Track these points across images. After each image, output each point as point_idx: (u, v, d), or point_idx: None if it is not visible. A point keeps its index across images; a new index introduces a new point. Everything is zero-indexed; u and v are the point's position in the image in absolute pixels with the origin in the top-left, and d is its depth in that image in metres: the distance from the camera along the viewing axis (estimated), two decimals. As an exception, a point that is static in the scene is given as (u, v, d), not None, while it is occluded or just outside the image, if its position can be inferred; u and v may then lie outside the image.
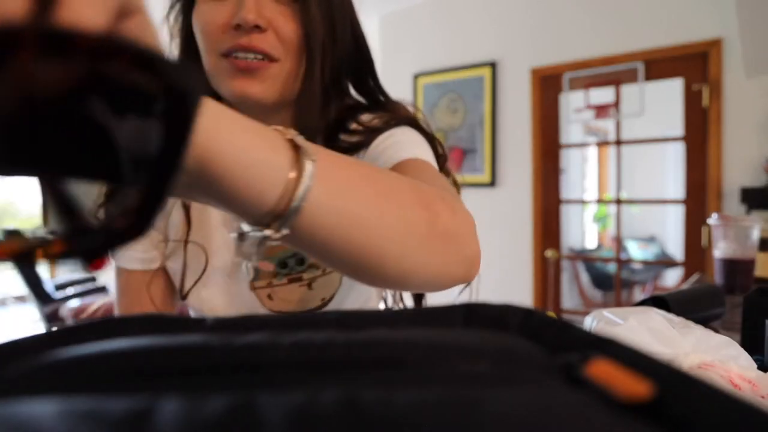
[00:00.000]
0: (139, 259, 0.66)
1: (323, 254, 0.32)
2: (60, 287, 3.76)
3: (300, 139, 0.29)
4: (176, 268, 0.66)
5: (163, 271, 0.68)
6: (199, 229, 0.64)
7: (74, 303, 3.30)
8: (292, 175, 0.27)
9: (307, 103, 0.56)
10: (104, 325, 0.19)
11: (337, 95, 0.62)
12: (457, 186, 0.64)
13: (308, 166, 0.27)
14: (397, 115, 0.61)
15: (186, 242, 0.63)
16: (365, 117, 0.62)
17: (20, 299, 5.11)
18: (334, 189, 0.29)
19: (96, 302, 3.27)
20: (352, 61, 0.62)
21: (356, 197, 0.30)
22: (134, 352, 0.16)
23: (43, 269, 4.31)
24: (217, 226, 0.64)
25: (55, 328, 0.19)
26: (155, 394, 0.12)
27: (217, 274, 0.64)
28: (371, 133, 0.58)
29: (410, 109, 0.65)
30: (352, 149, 0.58)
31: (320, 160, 0.28)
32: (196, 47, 0.56)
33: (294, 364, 0.15)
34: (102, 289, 3.68)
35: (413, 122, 0.61)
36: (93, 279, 4.15)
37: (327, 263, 0.33)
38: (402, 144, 0.55)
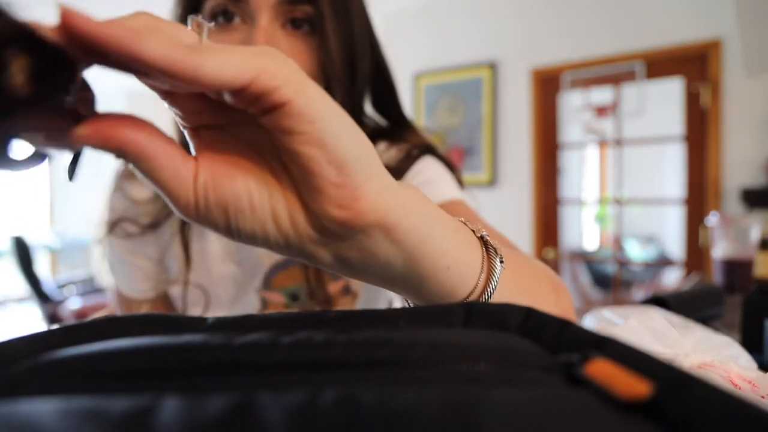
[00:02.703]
0: (136, 289, 0.65)
1: None
2: (60, 287, 3.76)
3: (487, 236, 0.29)
4: (179, 302, 0.65)
5: (162, 299, 0.67)
6: (201, 263, 0.62)
7: (74, 303, 3.30)
8: (483, 276, 0.28)
9: None
10: (104, 325, 0.19)
11: (360, 126, 0.60)
12: (458, 177, 0.64)
13: (497, 269, 0.28)
14: (415, 143, 0.61)
15: (186, 282, 0.61)
16: (381, 146, 0.61)
17: (20, 299, 5.11)
18: (508, 286, 0.29)
19: (98, 305, 3.27)
20: (374, 88, 0.61)
21: (519, 288, 0.32)
22: (134, 352, 0.16)
23: (43, 269, 4.31)
24: (218, 258, 0.62)
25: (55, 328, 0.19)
26: (156, 393, 0.12)
27: (221, 305, 0.64)
28: (397, 173, 0.57)
29: (424, 132, 0.64)
30: None
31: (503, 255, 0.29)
32: None
33: (294, 364, 0.15)
34: (102, 290, 3.68)
35: (431, 149, 0.61)
36: (93, 279, 4.15)
37: None
38: (433, 183, 0.56)
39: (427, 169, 0.59)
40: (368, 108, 0.63)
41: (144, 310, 0.66)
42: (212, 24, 0.23)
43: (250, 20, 0.50)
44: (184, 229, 0.61)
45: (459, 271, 0.26)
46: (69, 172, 0.21)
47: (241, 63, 0.19)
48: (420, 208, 0.25)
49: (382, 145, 0.62)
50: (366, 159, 0.22)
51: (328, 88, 0.51)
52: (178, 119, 0.23)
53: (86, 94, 0.20)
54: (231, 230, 0.23)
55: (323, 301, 0.60)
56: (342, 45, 0.52)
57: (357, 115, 0.59)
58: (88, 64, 0.19)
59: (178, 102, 0.22)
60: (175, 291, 0.65)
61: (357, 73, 0.55)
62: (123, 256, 0.63)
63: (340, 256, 0.24)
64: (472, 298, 0.27)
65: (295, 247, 0.23)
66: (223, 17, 0.50)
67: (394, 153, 0.61)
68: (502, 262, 0.28)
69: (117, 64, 0.19)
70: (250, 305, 0.64)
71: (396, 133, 0.62)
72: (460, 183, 0.63)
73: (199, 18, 0.22)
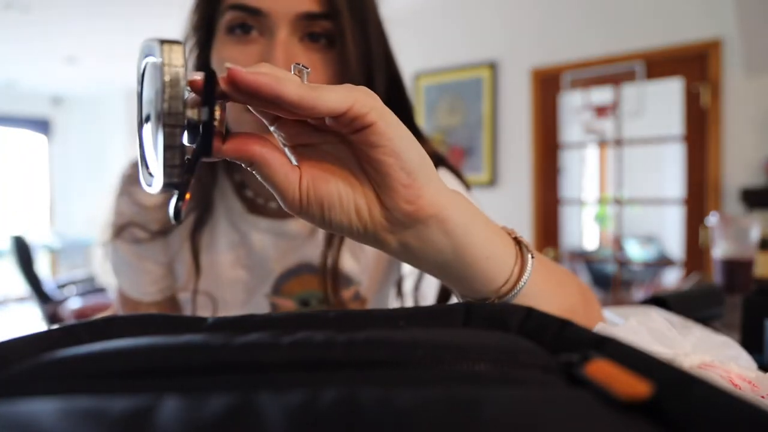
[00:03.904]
0: (143, 292, 0.65)
1: None
2: (60, 287, 3.76)
3: (521, 237, 0.35)
4: (187, 307, 0.65)
5: (169, 302, 0.67)
6: (210, 270, 0.62)
7: (74, 303, 3.30)
8: (516, 268, 0.33)
9: None
10: (104, 325, 0.19)
11: None
12: (468, 186, 0.64)
13: (529, 262, 0.33)
14: (430, 155, 0.61)
15: (195, 291, 0.61)
16: None
17: (20, 299, 5.11)
18: (538, 280, 0.34)
19: (98, 305, 3.27)
20: (388, 100, 0.60)
21: (549, 282, 0.36)
22: (134, 352, 0.16)
23: (43, 269, 4.31)
24: (227, 264, 0.62)
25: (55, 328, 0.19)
26: (156, 393, 0.12)
27: (229, 310, 0.64)
28: None
29: (434, 144, 0.65)
30: None
31: (536, 265, 0.34)
32: None
33: (294, 364, 0.15)
34: (102, 290, 3.68)
35: (444, 161, 0.62)
36: (93, 279, 4.15)
37: None
38: None
39: (445, 182, 0.60)
40: None
41: (150, 312, 0.66)
42: (308, 70, 0.29)
43: (269, 33, 0.49)
44: (194, 236, 0.61)
45: (497, 262, 0.32)
46: (176, 210, 0.27)
47: (342, 96, 0.26)
48: (466, 208, 0.31)
49: None
50: (426, 167, 0.29)
51: None
52: (281, 139, 0.30)
53: (222, 116, 0.27)
54: (324, 221, 0.30)
55: (335, 307, 0.60)
56: (360, 59, 0.52)
57: None
58: (227, 99, 0.27)
59: (284, 128, 0.29)
60: (184, 297, 0.65)
61: (374, 85, 0.55)
62: (130, 259, 0.63)
63: (404, 243, 0.31)
64: (508, 286, 0.33)
65: (371, 235, 0.30)
66: (241, 30, 0.50)
67: None
68: (533, 257, 0.33)
69: (261, 102, 0.26)
70: (258, 310, 0.64)
71: None
72: (468, 189, 0.63)
73: (300, 66, 0.29)
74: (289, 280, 0.62)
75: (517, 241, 0.34)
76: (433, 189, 0.29)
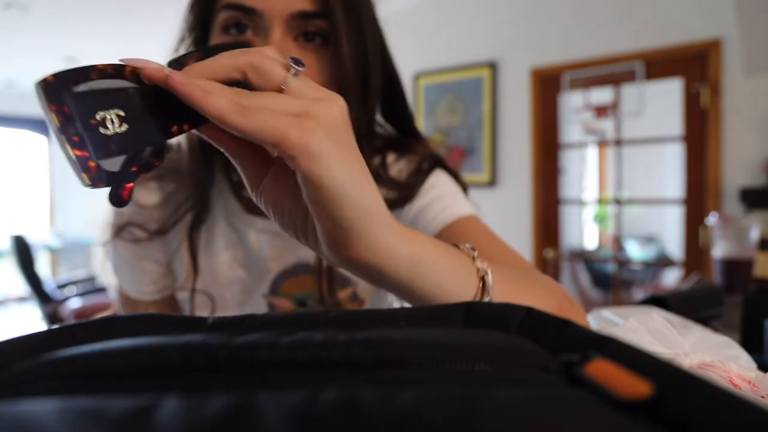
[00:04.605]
0: (142, 291, 0.65)
1: None
2: (60, 287, 3.76)
3: (482, 264, 0.34)
4: (186, 306, 0.65)
5: (168, 301, 0.67)
6: (208, 269, 0.63)
7: (74, 303, 3.30)
8: (477, 294, 0.33)
9: None
10: (104, 325, 0.19)
11: (369, 141, 0.60)
12: (465, 187, 0.64)
13: (489, 289, 0.34)
14: (424, 155, 0.62)
15: (193, 290, 0.62)
16: (390, 157, 0.62)
17: (20, 299, 5.10)
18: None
19: (98, 304, 3.27)
20: (385, 99, 0.61)
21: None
22: (134, 352, 0.16)
23: (43, 269, 4.30)
24: (225, 263, 0.63)
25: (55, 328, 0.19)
26: (156, 393, 0.12)
27: (227, 309, 0.64)
28: (411, 188, 0.58)
29: (431, 143, 0.65)
30: (394, 205, 0.58)
31: (496, 291, 0.34)
32: None
33: (294, 363, 0.15)
34: (102, 290, 3.68)
35: (440, 161, 0.62)
36: (93, 279, 4.15)
37: None
38: (445, 198, 0.58)
39: (439, 183, 0.60)
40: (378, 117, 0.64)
41: (150, 311, 0.66)
42: (303, 67, 0.29)
43: (263, 33, 0.49)
44: (192, 235, 0.61)
45: (450, 294, 0.32)
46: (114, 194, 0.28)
47: (270, 128, 0.26)
48: (410, 254, 0.30)
49: (391, 156, 0.62)
50: (362, 221, 0.28)
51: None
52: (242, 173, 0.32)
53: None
54: (277, 223, 0.32)
55: (332, 308, 0.60)
56: (355, 58, 0.52)
57: (370, 126, 0.60)
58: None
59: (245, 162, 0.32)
60: (182, 296, 0.65)
61: (370, 85, 0.55)
62: (129, 258, 0.63)
63: (342, 267, 0.31)
64: None
65: (314, 249, 0.31)
66: (236, 29, 0.50)
67: (403, 165, 0.62)
68: (489, 293, 0.34)
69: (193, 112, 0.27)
70: (256, 310, 0.64)
71: (405, 145, 0.63)
72: (465, 190, 0.63)
73: (293, 62, 0.28)
74: (287, 281, 0.63)
75: (483, 280, 0.34)
76: (365, 245, 0.28)
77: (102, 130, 0.26)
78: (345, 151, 0.28)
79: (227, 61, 0.27)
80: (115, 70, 0.27)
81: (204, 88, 0.26)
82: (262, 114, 0.26)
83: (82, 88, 0.26)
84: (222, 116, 0.25)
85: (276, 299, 0.63)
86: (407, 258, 0.30)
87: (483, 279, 0.34)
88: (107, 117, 0.26)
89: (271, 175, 0.31)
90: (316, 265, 0.59)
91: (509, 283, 0.37)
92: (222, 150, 0.31)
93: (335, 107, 0.28)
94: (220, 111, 0.25)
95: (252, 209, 0.62)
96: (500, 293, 0.34)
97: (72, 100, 0.26)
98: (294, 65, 0.28)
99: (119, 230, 0.62)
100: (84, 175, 0.26)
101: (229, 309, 0.64)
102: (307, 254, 0.62)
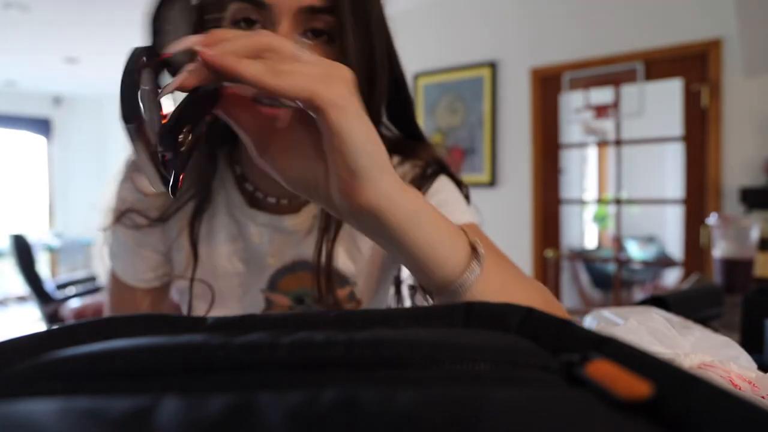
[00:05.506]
0: (139, 279, 0.65)
1: None
2: (60, 287, 3.76)
3: (476, 242, 0.37)
4: (184, 297, 0.65)
5: (163, 289, 0.67)
6: (207, 259, 0.63)
7: (74, 303, 3.30)
8: (465, 262, 0.36)
9: None
10: (104, 325, 0.19)
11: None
12: (465, 188, 0.64)
13: (478, 261, 0.36)
14: (428, 160, 0.62)
15: (192, 279, 0.62)
16: (394, 161, 0.62)
17: (21, 299, 5.10)
18: (492, 278, 0.37)
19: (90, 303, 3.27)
20: (391, 101, 0.61)
21: (505, 287, 0.39)
22: (134, 352, 0.16)
23: (43, 269, 4.30)
24: (224, 255, 0.63)
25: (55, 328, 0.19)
26: (156, 393, 0.12)
27: (225, 302, 0.64)
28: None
29: (437, 147, 0.65)
30: None
31: (486, 262, 0.37)
32: None
33: (294, 364, 0.15)
34: (102, 290, 3.68)
35: (444, 167, 0.63)
36: (93, 279, 4.15)
37: None
38: (447, 205, 0.58)
39: (443, 189, 0.61)
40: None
41: (144, 299, 0.66)
42: (310, 42, 0.34)
43: (271, 26, 0.50)
44: (193, 224, 0.61)
45: (441, 255, 0.35)
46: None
47: (302, 87, 0.30)
48: (412, 207, 0.34)
49: (395, 159, 0.63)
50: (373, 167, 0.32)
51: None
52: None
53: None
54: (285, 182, 0.36)
55: (330, 306, 0.60)
56: (361, 56, 0.52)
57: (376, 126, 0.60)
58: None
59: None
60: (181, 284, 0.65)
61: (375, 84, 0.55)
62: (129, 245, 0.64)
63: (350, 222, 0.35)
64: (453, 278, 0.36)
65: (324, 202, 0.35)
66: (245, 23, 0.50)
67: (407, 169, 0.62)
68: (480, 263, 0.36)
69: (227, 78, 0.31)
70: (254, 304, 0.64)
71: (410, 148, 0.64)
72: (467, 198, 0.64)
73: (303, 38, 0.34)
74: (285, 277, 0.63)
75: (474, 248, 0.37)
76: (374, 188, 0.32)
77: (182, 149, 0.31)
78: (361, 108, 0.33)
79: (245, 41, 0.31)
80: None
81: (236, 58, 0.29)
82: (292, 75, 0.30)
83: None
84: (259, 79, 0.29)
85: (273, 295, 0.63)
86: (408, 208, 0.34)
87: (474, 248, 0.37)
88: (186, 138, 0.31)
89: (283, 142, 0.35)
90: (315, 263, 0.59)
91: (500, 266, 0.39)
92: (234, 124, 0.35)
93: (347, 71, 0.33)
94: (256, 75, 0.29)
95: (254, 203, 0.62)
96: (490, 273, 0.37)
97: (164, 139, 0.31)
98: (302, 40, 0.33)
99: (120, 216, 0.62)
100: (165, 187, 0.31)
101: (227, 303, 0.64)
102: (306, 251, 0.62)
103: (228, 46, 0.30)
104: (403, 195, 0.34)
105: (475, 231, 0.57)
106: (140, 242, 0.63)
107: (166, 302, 0.68)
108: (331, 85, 0.31)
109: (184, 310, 0.65)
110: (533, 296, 0.41)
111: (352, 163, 0.31)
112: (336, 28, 0.51)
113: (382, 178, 0.33)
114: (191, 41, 0.32)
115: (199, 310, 0.64)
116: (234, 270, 0.63)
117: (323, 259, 0.59)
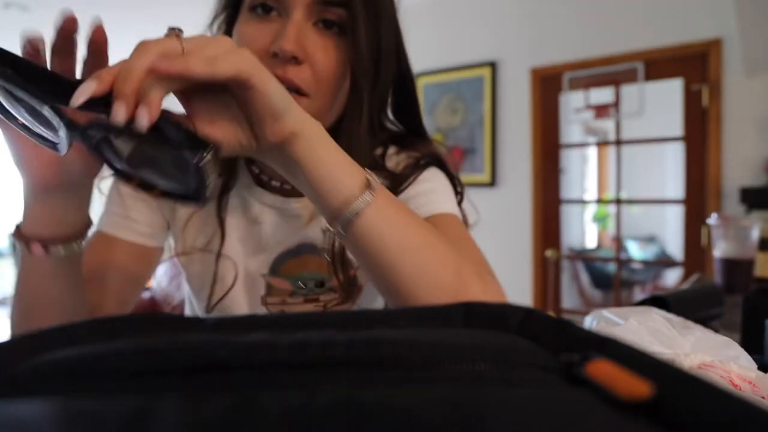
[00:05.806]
0: (131, 228, 0.61)
1: (364, 263, 0.43)
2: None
3: (371, 176, 0.42)
4: (199, 275, 0.64)
5: (141, 254, 0.62)
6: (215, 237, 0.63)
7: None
8: (358, 193, 0.40)
9: (353, 144, 0.54)
10: (104, 325, 0.19)
11: (380, 131, 0.62)
12: (461, 186, 0.65)
13: (368, 196, 0.40)
14: (425, 153, 0.63)
15: (219, 255, 0.61)
16: (391, 150, 0.63)
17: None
18: (383, 216, 0.41)
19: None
20: (396, 96, 0.62)
21: (400, 232, 0.42)
22: (134, 352, 0.16)
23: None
24: (235, 239, 0.63)
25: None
26: (155, 394, 0.12)
27: (225, 285, 0.63)
28: (403, 179, 0.59)
29: (437, 145, 0.66)
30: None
31: (379, 195, 0.41)
32: None
33: (294, 364, 0.15)
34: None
35: (440, 162, 0.63)
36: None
37: (367, 274, 0.44)
38: (433, 194, 0.59)
39: (432, 179, 0.61)
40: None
41: (124, 254, 0.61)
42: (182, 31, 0.37)
43: (286, 14, 0.52)
44: (221, 199, 0.61)
45: (337, 181, 0.40)
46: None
47: (230, 66, 0.35)
48: (316, 130, 0.41)
49: (393, 149, 0.64)
50: (288, 103, 0.39)
51: (354, 87, 0.55)
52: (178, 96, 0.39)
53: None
54: (225, 150, 0.39)
55: (345, 288, 0.60)
56: (371, 49, 0.54)
57: (379, 117, 0.61)
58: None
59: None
60: (196, 268, 0.63)
61: (380, 76, 0.56)
62: (131, 199, 0.61)
63: (273, 162, 0.42)
64: (345, 205, 0.40)
65: (250, 146, 0.40)
66: (262, 9, 0.52)
67: (402, 158, 0.63)
68: (372, 194, 0.40)
69: (177, 82, 0.35)
70: (255, 288, 0.64)
71: (409, 141, 0.64)
72: (461, 197, 0.64)
73: (176, 30, 0.36)
74: (289, 260, 0.63)
75: (366, 176, 0.42)
76: (292, 116, 0.39)
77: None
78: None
79: (141, 63, 0.34)
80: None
81: (184, 63, 0.34)
82: (219, 61, 0.34)
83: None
84: (204, 72, 0.34)
85: (275, 279, 0.63)
86: (316, 130, 0.40)
87: (368, 180, 0.41)
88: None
89: (212, 116, 0.39)
90: (329, 245, 0.57)
91: (396, 207, 0.43)
92: (183, 106, 0.39)
93: (231, 40, 0.39)
94: (203, 70, 0.34)
95: (260, 182, 0.63)
96: (382, 205, 0.41)
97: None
98: (173, 31, 0.36)
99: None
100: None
101: (227, 286, 0.63)
102: (312, 235, 0.62)
103: (130, 64, 0.34)
104: (311, 119, 0.40)
105: (452, 222, 0.57)
106: (146, 198, 0.61)
107: (145, 275, 0.63)
108: (245, 59, 0.35)
109: (199, 291, 0.64)
110: (432, 241, 0.43)
111: (275, 106, 0.37)
112: (347, 21, 0.53)
113: (295, 108, 0.39)
114: (92, 88, 0.34)
115: (203, 293, 0.63)
116: (235, 252, 0.63)
117: (337, 244, 0.58)
